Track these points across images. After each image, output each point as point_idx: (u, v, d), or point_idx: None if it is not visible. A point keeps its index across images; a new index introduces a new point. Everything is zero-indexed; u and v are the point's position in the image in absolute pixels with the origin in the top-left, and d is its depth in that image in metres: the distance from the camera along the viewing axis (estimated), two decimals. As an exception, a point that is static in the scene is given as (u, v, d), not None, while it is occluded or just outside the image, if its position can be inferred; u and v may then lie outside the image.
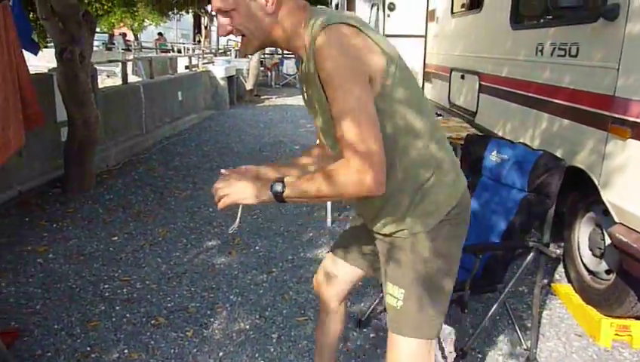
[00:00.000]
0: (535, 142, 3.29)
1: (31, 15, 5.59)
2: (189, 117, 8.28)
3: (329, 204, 4.08)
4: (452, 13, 5.48)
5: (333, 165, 1.25)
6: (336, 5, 14.93)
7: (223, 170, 1.45)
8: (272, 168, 1.57)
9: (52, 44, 4.75)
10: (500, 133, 3.87)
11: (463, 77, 4.93)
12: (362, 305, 2.90)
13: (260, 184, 1.35)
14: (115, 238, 3.70)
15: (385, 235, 1.51)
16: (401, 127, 1.35)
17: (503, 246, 2.33)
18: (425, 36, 6.48)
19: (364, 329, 2.67)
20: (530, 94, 3.43)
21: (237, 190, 1.35)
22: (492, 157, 2.50)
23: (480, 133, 3.80)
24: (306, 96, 1.47)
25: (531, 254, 2.23)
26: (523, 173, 2.32)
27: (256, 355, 2.45)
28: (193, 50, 20.52)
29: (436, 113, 5.86)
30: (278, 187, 1.30)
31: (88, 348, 2.44)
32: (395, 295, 1.47)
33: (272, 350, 2.49)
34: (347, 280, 1.79)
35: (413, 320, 1.46)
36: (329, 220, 4.06)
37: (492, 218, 2.41)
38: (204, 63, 11.17)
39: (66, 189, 4.55)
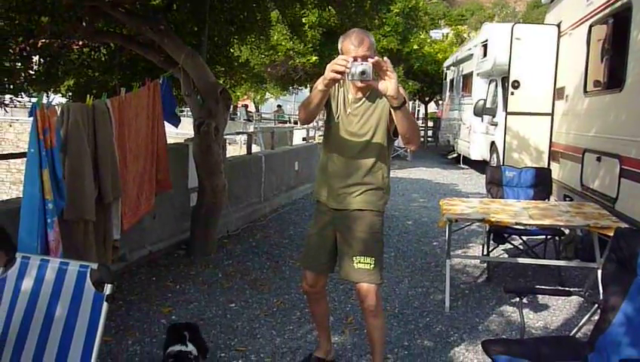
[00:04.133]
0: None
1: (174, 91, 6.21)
2: (303, 186, 8.53)
3: (447, 287, 3.87)
4: (585, 91, 5.20)
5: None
6: (451, 81, 15.04)
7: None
8: None
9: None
10: (648, 224, 3.47)
11: (599, 159, 4.58)
12: None
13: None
14: (233, 305, 3.78)
15: (355, 210, 2.54)
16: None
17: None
18: (552, 114, 6.19)
19: None
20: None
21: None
22: (650, 255, 2.21)
23: (628, 225, 3.43)
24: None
25: None
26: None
27: None
28: (308, 121, 21.41)
29: (565, 196, 5.46)
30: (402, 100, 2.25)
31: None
32: (367, 261, 2.51)
33: None
34: (324, 279, 2.82)
35: (378, 273, 2.56)
36: (447, 304, 3.83)
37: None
38: (320, 135, 11.62)
39: (190, 252, 4.80)
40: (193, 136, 4.86)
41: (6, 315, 2.10)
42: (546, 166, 6.02)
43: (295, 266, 4.67)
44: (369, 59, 2.15)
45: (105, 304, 2.00)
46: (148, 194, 3.98)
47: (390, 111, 2.35)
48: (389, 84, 2.16)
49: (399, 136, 2.45)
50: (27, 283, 2.12)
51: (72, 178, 2.82)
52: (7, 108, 6.30)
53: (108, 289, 2.01)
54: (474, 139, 11.36)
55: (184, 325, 2.83)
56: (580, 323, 2.62)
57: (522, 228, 4.51)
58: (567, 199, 5.33)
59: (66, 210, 2.79)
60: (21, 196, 2.68)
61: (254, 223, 6.27)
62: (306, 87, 21.23)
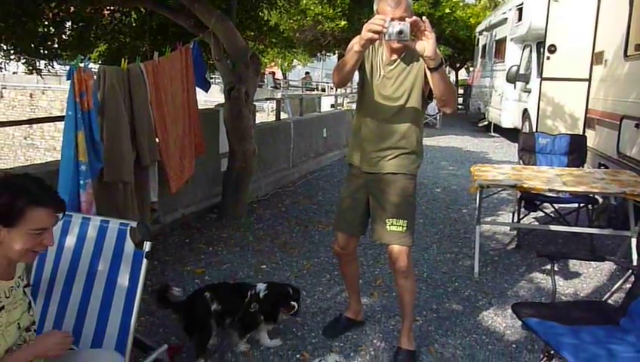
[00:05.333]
0: None
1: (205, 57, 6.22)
2: (332, 153, 8.54)
3: (477, 253, 3.87)
4: (625, 55, 5.00)
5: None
6: (483, 46, 14.63)
7: None
8: None
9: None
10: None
11: (638, 126, 4.44)
12: None
13: None
14: (264, 266, 3.86)
15: (388, 173, 2.54)
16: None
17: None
18: (589, 80, 5.99)
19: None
20: None
21: None
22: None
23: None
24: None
25: None
26: None
27: (401, 408, 2.34)
28: (336, 89, 21.28)
29: (600, 164, 5.33)
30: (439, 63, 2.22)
31: (238, 374, 2.52)
32: (400, 224, 2.53)
33: (417, 405, 2.36)
34: (355, 242, 2.84)
35: (410, 236, 2.58)
36: (476, 270, 3.83)
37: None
38: (348, 102, 11.52)
39: (221, 215, 4.90)
40: (223, 102, 4.90)
41: (51, 271, 2.20)
42: (581, 133, 5.86)
43: (324, 231, 4.73)
44: (406, 19, 2.11)
45: (144, 260, 2.07)
46: (190, 158, 4.06)
47: (425, 73, 2.32)
48: (426, 45, 2.12)
49: (433, 100, 2.43)
50: (70, 240, 2.21)
51: (110, 140, 2.89)
52: (41, 76, 6.45)
53: (147, 246, 2.08)
54: (506, 106, 11.11)
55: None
56: (613, 289, 2.61)
57: (554, 195, 4.44)
58: (602, 167, 5.20)
59: (106, 172, 2.87)
60: (59, 159, 2.77)
61: (283, 189, 6.34)
62: (334, 54, 20.99)
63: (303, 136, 7.38)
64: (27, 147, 22.62)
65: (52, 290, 2.18)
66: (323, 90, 22.29)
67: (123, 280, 2.11)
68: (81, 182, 2.68)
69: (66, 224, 2.23)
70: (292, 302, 2.70)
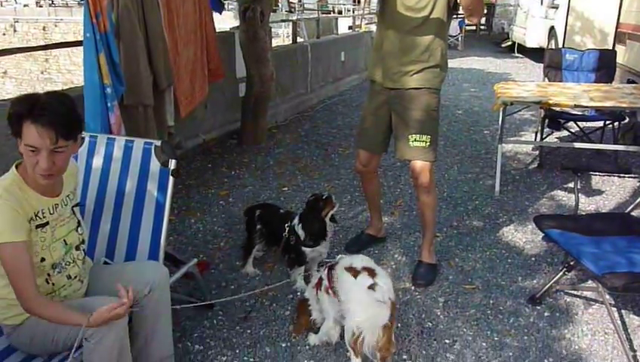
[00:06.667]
0: None
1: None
2: (350, 77, 8.37)
3: (498, 171, 3.86)
4: (663, -39, 4.68)
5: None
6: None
7: None
8: None
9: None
10: None
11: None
12: (535, 281, 2.72)
13: None
14: (285, 189, 3.92)
15: (411, 89, 2.49)
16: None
17: None
18: (621, -9, 5.66)
19: (538, 307, 2.50)
20: None
21: None
22: None
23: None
24: None
25: None
26: None
27: (423, 316, 2.43)
28: (353, 10, 20.56)
29: (629, 80, 5.14)
30: None
31: (265, 286, 2.64)
32: (423, 140, 2.52)
33: (438, 313, 2.46)
34: (377, 159, 2.84)
35: (433, 151, 2.56)
36: (497, 189, 3.84)
37: None
38: (366, 24, 11.13)
39: (241, 141, 4.92)
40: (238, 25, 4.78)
41: (80, 191, 2.27)
42: (611, 48, 5.62)
43: (344, 154, 4.74)
44: None
45: (171, 178, 2.12)
46: (201, 83, 4.02)
47: None
48: None
49: (459, 8, 2.33)
50: (97, 161, 2.26)
51: (128, 63, 2.87)
52: (53, 3, 6.33)
53: (172, 164, 2.11)
54: (531, 24, 10.62)
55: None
56: (636, 201, 2.60)
57: (580, 113, 4.34)
58: (630, 83, 5.03)
59: (126, 96, 2.87)
60: (81, 85, 2.77)
61: (302, 114, 6.30)
62: (350, -26, 20.04)
63: (320, 60, 7.23)
64: (45, 81, 22.65)
65: (83, 210, 2.26)
66: (339, 12, 21.48)
67: (151, 197, 2.17)
68: (109, 104, 2.69)
69: (92, 145, 2.27)
70: (326, 199, 2.57)
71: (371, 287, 1.93)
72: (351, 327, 1.92)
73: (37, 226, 1.63)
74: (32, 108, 1.51)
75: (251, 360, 2.17)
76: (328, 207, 2.58)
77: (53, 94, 1.63)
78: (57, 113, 1.53)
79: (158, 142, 2.18)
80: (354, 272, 2.03)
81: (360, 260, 2.11)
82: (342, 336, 2.11)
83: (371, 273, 2.01)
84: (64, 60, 21.40)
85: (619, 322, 2.35)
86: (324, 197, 2.60)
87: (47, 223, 1.67)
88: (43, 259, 1.65)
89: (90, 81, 2.65)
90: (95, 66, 2.62)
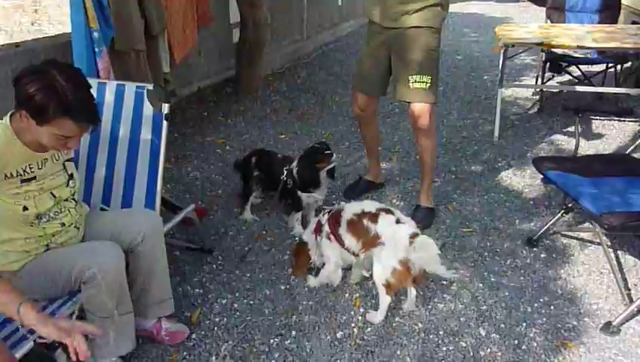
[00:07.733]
0: None
1: None
2: (347, 23, 8.14)
3: (498, 116, 3.81)
4: None
5: None
6: None
7: None
8: None
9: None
10: None
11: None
12: (532, 224, 2.73)
13: None
14: (283, 136, 3.88)
15: (410, 28, 2.41)
16: None
17: None
18: None
19: (534, 249, 2.52)
20: None
21: None
22: None
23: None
24: None
25: None
26: None
27: (420, 259, 2.45)
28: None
29: (634, 22, 5.00)
30: None
31: (264, 231, 2.65)
32: (424, 81, 2.46)
33: (436, 255, 2.47)
34: (375, 103, 2.81)
35: (433, 93, 2.51)
36: (496, 134, 3.80)
37: None
38: (363, -33, 10.75)
39: (237, 89, 4.82)
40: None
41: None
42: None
43: (341, 101, 4.67)
44: None
45: (165, 122, 2.08)
46: (192, 28, 3.90)
47: None
48: None
49: None
50: (89, 106, 2.20)
51: (117, 6, 2.75)
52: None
53: (165, 108, 2.07)
54: (535, -35, 10.27)
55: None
56: (636, 143, 2.57)
57: (582, 55, 4.25)
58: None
59: (117, 40, 2.78)
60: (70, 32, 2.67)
61: (298, 61, 6.16)
62: None
63: (316, 4, 7.00)
64: (35, 33, 22.13)
65: (77, 157, 2.22)
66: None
67: (145, 142, 2.13)
68: (96, 49, 2.59)
69: (83, 90, 2.21)
70: (326, 152, 2.53)
71: (398, 222, 2.02)
72: (391, 265, 1.95)
73: (22, 181, 1.62)
74: (65, 104, 1.50)
75: (251, 302, 2.20)
76: (324, 162, 2.54)
77: (76, 83, 1.56)
78: (91, 109, 1.60)
79: (150, 86, 2.13)
80: (371, 216, 2.06)
81: (370, 204, 2.15)
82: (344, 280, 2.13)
83: (389, 212, 2.08)
84: (53, 11, 20.85)
85: (614, 262, 2.37)
86: (324, 152, 2.54)
87: (34, 178, 1.65)
88: (25, 208, 1.63)
89: (76, 24, 2.55)
90: (81, 9, 2.51)
